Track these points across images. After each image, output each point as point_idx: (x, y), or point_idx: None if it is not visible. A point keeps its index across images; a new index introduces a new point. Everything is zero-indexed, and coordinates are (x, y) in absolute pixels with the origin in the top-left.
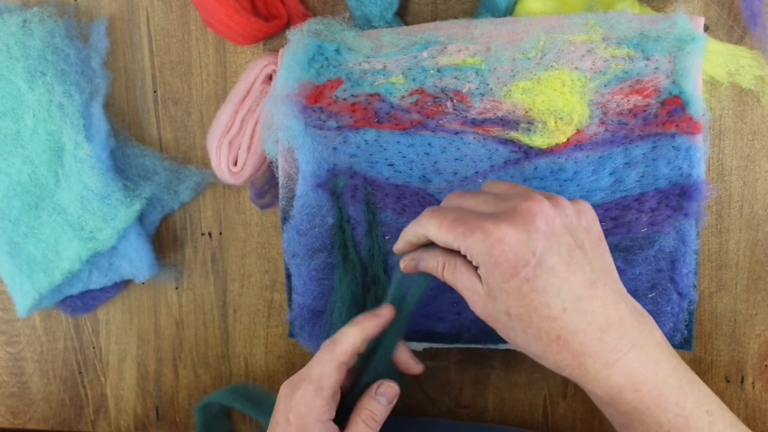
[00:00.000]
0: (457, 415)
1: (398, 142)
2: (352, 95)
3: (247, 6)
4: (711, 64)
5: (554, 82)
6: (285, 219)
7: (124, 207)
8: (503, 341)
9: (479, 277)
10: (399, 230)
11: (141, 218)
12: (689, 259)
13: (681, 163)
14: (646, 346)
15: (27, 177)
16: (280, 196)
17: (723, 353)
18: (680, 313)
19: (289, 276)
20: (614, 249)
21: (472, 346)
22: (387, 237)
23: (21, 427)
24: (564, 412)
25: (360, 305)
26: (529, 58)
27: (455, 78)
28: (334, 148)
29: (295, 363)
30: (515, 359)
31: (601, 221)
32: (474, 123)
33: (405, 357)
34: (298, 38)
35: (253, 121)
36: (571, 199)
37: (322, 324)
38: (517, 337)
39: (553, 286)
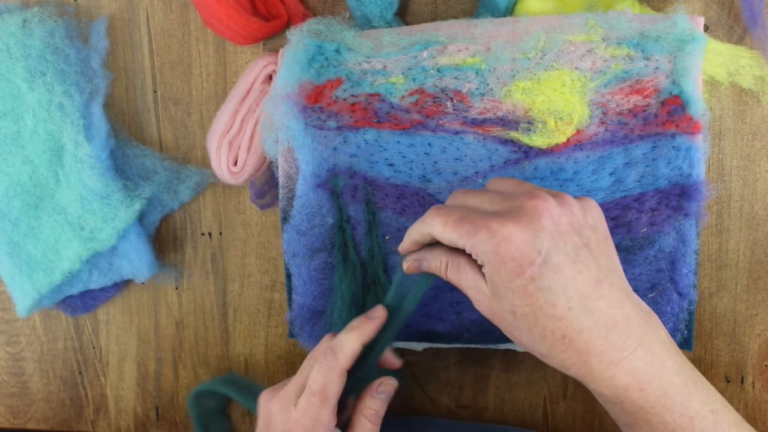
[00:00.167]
0: (457, 415)
1: (398, 142)
2: (352, 95)
3: (247, 6)
4: (711, 64)
5: (554, 82)
6: (285, 219)
7: (124, 207)
8: (503, 341)
9: (484, 276)
10: (399, 230)
11: (141, 218)
12: (689, 259)
13: (681, 163)
14: (652, 345)
15: (27, 177)
16: (280, 196)
17: (723, 353)
18: (680, 313)
19: (289, 276)
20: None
21: (472, 346)
22: (387, 237)
23: (21, 427)
24: (564, 412)
25: (360, 305)
26: (529, 58)
27: (455, 78)
28: (334, 148)
29: (295, 363)
30: (515, 359)
31: None
32: (474, 123)
33: (385, 353)
34: (298, 38)
35: (253, 121)
36: (577, 196)
37: (322, 324)
38: (522, 336)
39: (559, 285)
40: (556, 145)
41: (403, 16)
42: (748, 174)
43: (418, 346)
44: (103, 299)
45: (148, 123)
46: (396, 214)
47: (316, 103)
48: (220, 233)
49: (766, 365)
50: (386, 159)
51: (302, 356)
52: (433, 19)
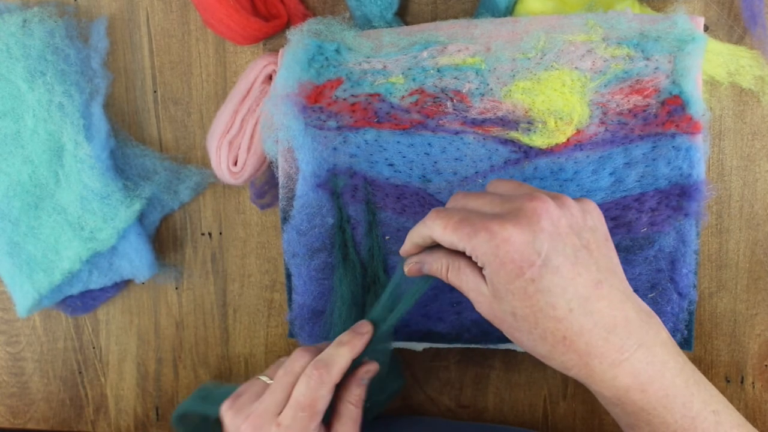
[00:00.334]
0: (457, 415)
1: (398, 142)
2: (352, 95)
3: (247, 6)
4: (711, 64)
5: (554, 82)
6: (285, 219)
7: (124, 207)
8: (503, 341)
9: (484, 277)
10: (399, 230)
11: (141, 218)
12: (689, 259)
13: (681, 163)
14: (653, 346)
15: (27, 177)
16: (280, 196)
17: (723, 353)
18: (680, 313)
19: (289, 276)
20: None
21: (472, 346)
22: (387, 237)
23: (21, 427)
24: (564, 412)
25: (360, 305)
26: (529, 58)
27: (455, 78)
28: (334, 148)
29: None
30: (515, 359)
31: None
32: (474, 123)
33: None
34: (298, 38)
35: (253, 121)
36: (577, 198)
37: (322, 324)
38: (523, 338)
39: (559, 287)
40: (556, 145)
41: (403, 16)
42: (748, 174)
43: (418, 346)
44: (103, 299)
45: (148, 123)
46: (396, 214)
47: (316, 103)
48: (220, 233)
49: (766, 365)
50: (386, 159)
51: None
52: (433, 19)
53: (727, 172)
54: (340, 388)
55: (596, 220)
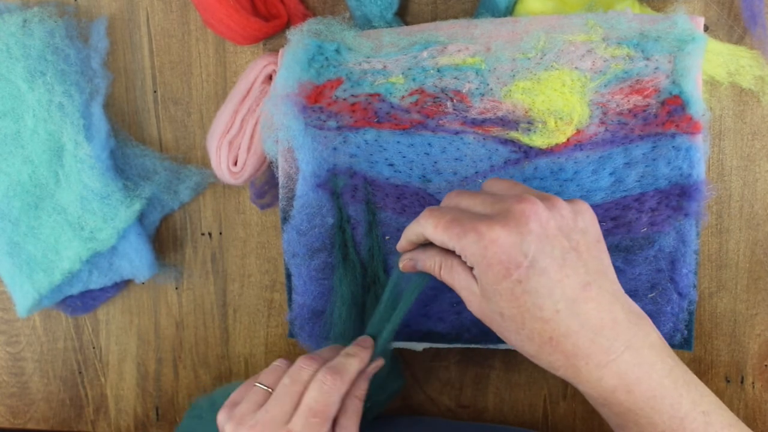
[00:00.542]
0: (457, 415)
1: (398, 142)
2: (352, 95)
3: (247, 6)
4: (711, 64)
5: (554, 82)
6: (285, 219)
7: (124, 207)
8: (503, 341)
9: (474, 277)
10: (399, 230)
11: (141, 218)
12: (689, 259)
13: (681, 163)
14: (641, 348)
15: (27, 177)
16: (280, 196)
17: (723, 353)
18: (680, 313)
19: (289, 276)
20: (614, 249)
21: (472, 346)
22: (387, 237)
23: (21, 427)
24: (564, 412)
25: (360, 305)
26: (529, 58)
27: (455, 78)
28: (334, 148)
29: None
30: (515, 359)
31: (601, 221)
32: (474, 123)
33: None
34: (298, 38)
35: (253, 121)
36: (569, 199)
37: (322, 324)
38: (511, 337)
39: (546, 288)
40: (556, 145)
41: (403, 16)
42: (748, 174)
43: (418, 346)
44: (103, 299)
45: (148, 123)
46: (396, 214)
47: (316, 103)
48: (220, 233)
49: (766, 365)
50: (386, 159)
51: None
52: (433, 19)
53: (727, 172)
54: None
55: (587, 221)
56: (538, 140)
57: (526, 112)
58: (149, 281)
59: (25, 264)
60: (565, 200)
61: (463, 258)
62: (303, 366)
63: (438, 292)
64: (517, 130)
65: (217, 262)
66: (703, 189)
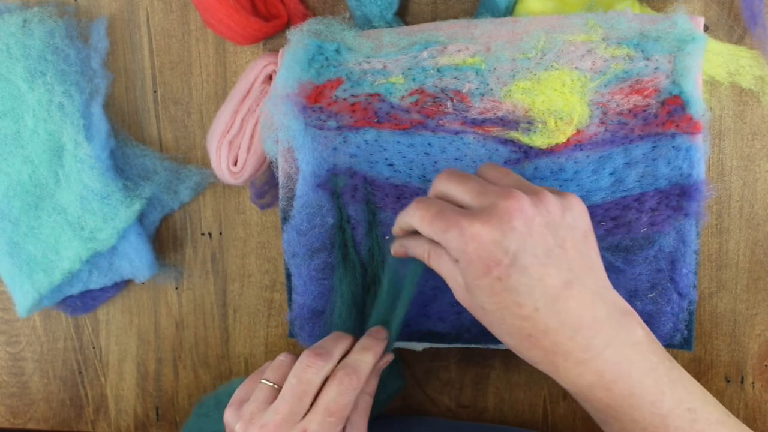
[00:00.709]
0: (457, 415)
1: (398, 142)
2: (352, 95)
3: (247, 6)
4: (711, 64)
5: (554, 82)
6: (285, 219)
7: (124, 207)
8: None
9: None
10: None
11: (141, 218)
12: (689, 259)
13: (681, 163)
14: (622, 347)
15: (27, 177)
16: (280, 196)
17: (723, 353)
18: (680, 313)
19: (289, 276)
20: (614, 249)
21: (472, 346)
22: (387, 237)
23: (21, 427)
24: (564, 412)
25: (360, 305)
26: (529, 58)
27: (455, 78)
28: (334, 148)
29: None
30: (515, 359)
31: (601, 221)
32: (474, 123)
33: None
34: (298, 38)
35: (253, 121)
36: (561, 193)
37: (322, 324)
38: (493, 330)
39: (526, 286)
40: (556, 145)
41: (403, 16)
42: (748, 174)
43: (418, 346)
44: (103, 299)
45: (148, 123)
46: (396, 214)
47: (316, 103)
48: (220, 233)
49: (766, 365)
50: (386, 159)
51: None
52: (433, 19)
53: (727, 172)
54: None
55: (576, 216)
56: (538, 140)
57: (526, 112)
58: (149, 281)
59: (25, 264)
60: (555, 194)
61: (448, 251)
62: (309, 364)
63: (438, 292)
64: (517, 130)
65: (217, 262)
66: (703, 189)
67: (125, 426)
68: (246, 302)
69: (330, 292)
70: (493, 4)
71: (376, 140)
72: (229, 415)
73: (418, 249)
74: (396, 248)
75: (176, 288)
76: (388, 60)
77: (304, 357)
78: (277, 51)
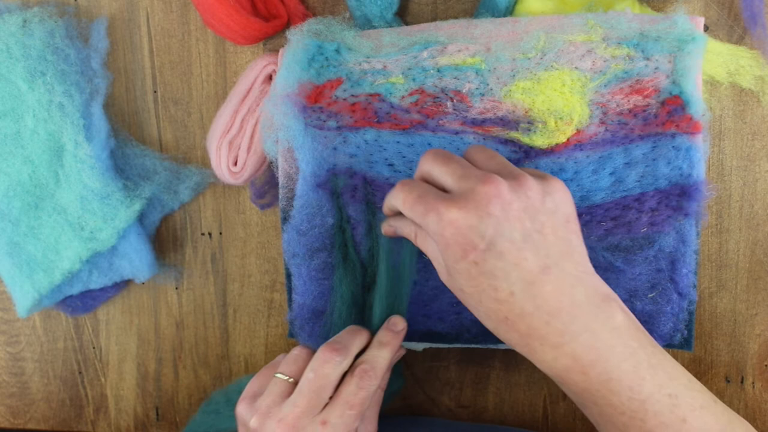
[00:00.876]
0: (457, 415)
1: (398, 142)
2: (352, 95)
3: (247, 6)
4: (711, 64)
5: (554, 82)
6: (285, 219)
7: (124, 207)
8: (503, 341)
9: None
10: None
11: (141, 218)
12: (689, 259)
13: (681, 163)
14: (600, 331)
15: (27, 177)
16: (280, 196)
17: (723, 353)
18: (680, 313)
19: (289, 276)
20: (614, 249)
21: (472, 346)
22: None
23: (21, 427)
24: (564, 412)
25: (360, 305)
26: (529, 58)
27: (455, 78)
28: (334, 148)
29: None
30: (515, 359)
31: (601, 221)
32: (474, 123)
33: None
34: (298, 38)
35: (253, 121)
36: (544, 177)
37: (322, 324)
38: (473, 311)
39: (502, 270)
40: (557, 145)
41: (403, 16)
42: (748, 174)
43: (418, 346)
44: (103, 299)
45: (148, 123)
46: None
47: (316, 103)
48: (220, 233)
49: (766, 365)
50: (386, 159)
51: None
52: (433, 19)
53: (727, 172)
54: None
55: (558, 201)
56: (538, 140)
57: (526, 112)
58: (149, 281)
59: (25, 264)
60: (537, 178)
61: (429, 234)
62: (326, 359)
63: (438, 292)
64: (518, 130)
65: (217, 262)
66: (703, 189)
67: (125, 426)
68: (246, 302)
69: (330, 292)
70: (493, 4)
71: (376, 140)
72: (242, 409)
73: (406, 229)
74: (385, 228)
75: (176, 288)
76: (388, 60)
77: (322, 352)
78: (277, 51)
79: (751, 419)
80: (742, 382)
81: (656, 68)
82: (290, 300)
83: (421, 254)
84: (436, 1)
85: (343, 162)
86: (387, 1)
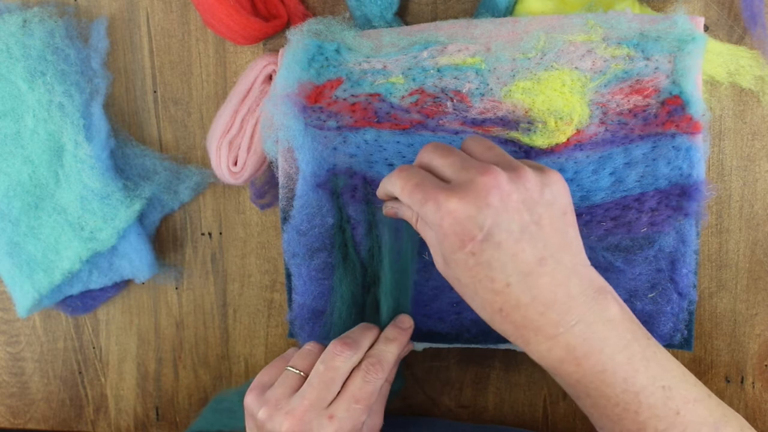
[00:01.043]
0: (457, 415)
1: (398, 142)
2: (352, 95)
3: (247, 6)
4: (711, 64)
5: (554, 82)
6: (285, 219)
7: (124, 207)
8: (503, 341)
9: None
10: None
11: (141, 218)
12: (689, 259)
13: (681, 163)
14: (594, 323)
15: (27, 177)
16: (280, 196)
17: (723, 353)
18: (680, 313)
19: (289, 276)
20: (614, 249)
21: (472, 346)
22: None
23: (21, 427)
24: (564, 412)
25: (360, 305)
26: (529, 58)
27: (455, 78)
28: (334, 148)
29: None
30: (515, 359)
31: (601, 221)
32: (474, 123)
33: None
34: (298, 38)
35: (253, 121)
36: (543, 169)
37: (322, 324)
38: (468, 302)
39: (499, 261)
40: (557, 145)
41: (403, 16)
42: (748, 174)
43: (418, 346)
44: (103, 299)
45: (148, 123)
46: None
47: (316, 103)
48: (220, 233)
49: (766, 365)
50: (386, 159)
51: None
52: (433, 19)
53: (727, 172)
54: None
55: (556, 193)
56: (538, 140)
57: (527, 112)
58: (149, 281)
59: (25, 264)
60: (535, 170)
61: (427, 222)
62: (337, 353)
63: (438, 292)
64: (518, 130)
65: (217, 262)
66: (703, 189)
67: (125, 426)
68: (246, 302)
69: (330, 292)
70: (493, 4)
71: (375, 140)
72: (251, 400)
73: (407, 212)
74: (387, 209)
75: (176, 288)
76: (388, 60)
77: (333, 346)
78: (277, 51)
79: (751, 419)
80: (742, 382)
81: (656, 68)
82: (290, 300)
83: (421, 255)
84: (436, 1)
85: (343, 162)
86: (387, 1)
